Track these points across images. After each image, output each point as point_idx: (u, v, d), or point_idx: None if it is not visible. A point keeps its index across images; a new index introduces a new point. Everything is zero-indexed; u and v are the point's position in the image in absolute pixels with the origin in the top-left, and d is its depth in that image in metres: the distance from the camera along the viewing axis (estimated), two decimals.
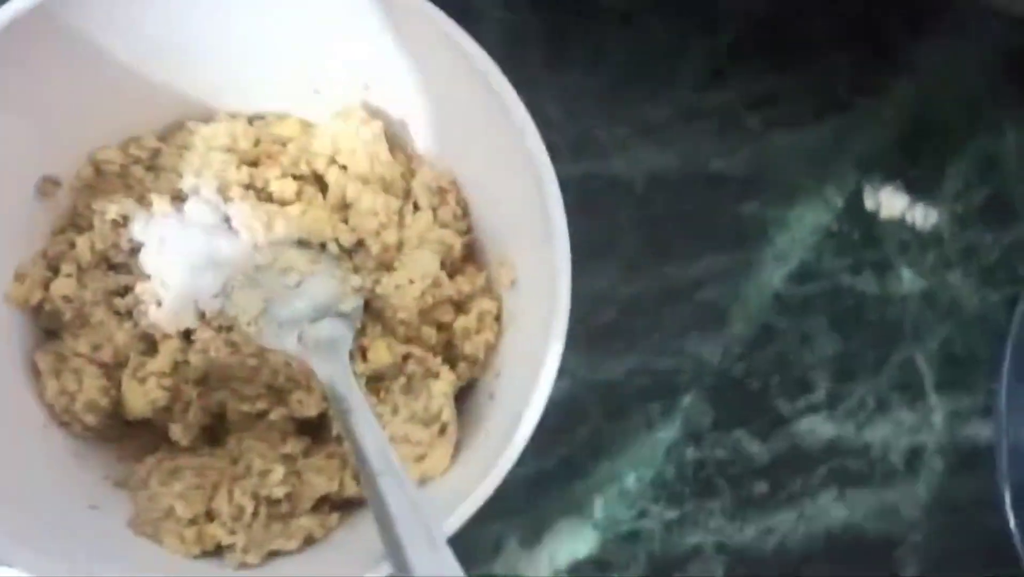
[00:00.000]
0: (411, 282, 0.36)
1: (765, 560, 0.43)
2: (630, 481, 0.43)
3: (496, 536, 0.43)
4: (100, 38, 0.36)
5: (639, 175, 0.45)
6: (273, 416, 0.37)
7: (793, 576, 0.43)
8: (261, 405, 0.37)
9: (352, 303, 0.36)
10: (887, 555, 0.44)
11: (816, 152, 0.46)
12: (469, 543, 0.40)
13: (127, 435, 0.38)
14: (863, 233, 0.46)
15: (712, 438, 0.44)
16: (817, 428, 0.44)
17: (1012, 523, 0.41)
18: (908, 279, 0.45)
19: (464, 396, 0.38)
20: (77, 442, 0.37)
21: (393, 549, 0.30)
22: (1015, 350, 0.42)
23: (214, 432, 0.39)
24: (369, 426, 0.32)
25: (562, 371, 0.34)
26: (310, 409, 0.37)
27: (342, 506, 0.37)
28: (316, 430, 0.38)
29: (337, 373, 0.34)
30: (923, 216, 0.46)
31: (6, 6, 0.33)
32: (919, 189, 0.46)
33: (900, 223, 0.46)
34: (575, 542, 0.43)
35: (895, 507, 0.44)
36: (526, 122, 0.34)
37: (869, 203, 0.46)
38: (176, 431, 0.37)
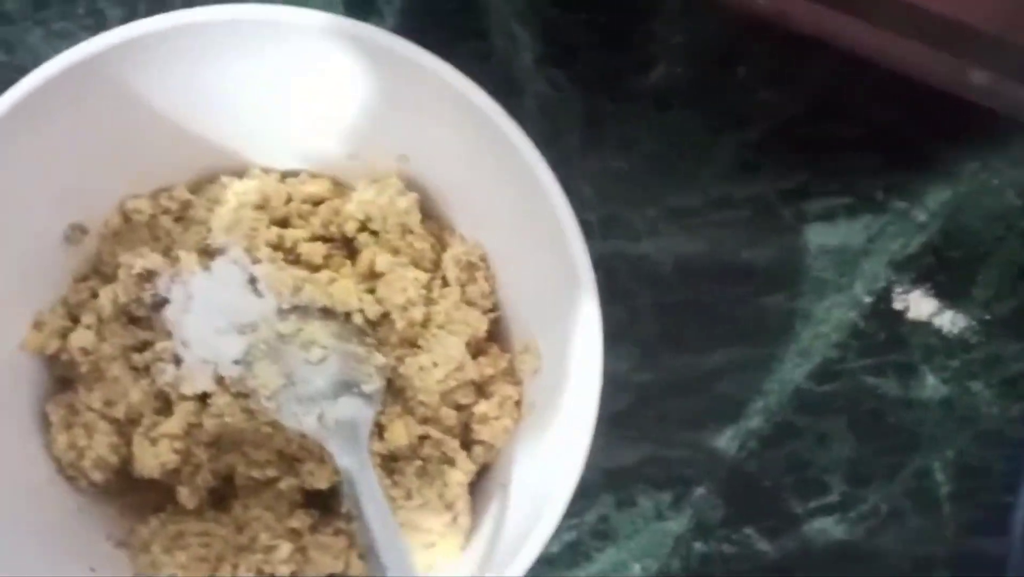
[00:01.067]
0: (435, 365, 0.36)
1: None
2: (635, 571, 0.43)
3: None
4: (141, 89, 0.36)
5: (667, 259, 0.45)
6: (283, 485, 0.37)
7: None
8: (271, 472, 0.37)
9: (375, 384, 0.35)
10: None
11: (847, 249, 0.45)
12: None
13: (131, 490, 0.38)
14: (889, 334, 0.45)
15: (721, 533, 0.43)
16: (828, 530, 0.44)
17: None
18: (931, 385, 0.45)
19: (476, 481, 0.37)
20: (80, 497, 0.37)
21: None
22: None
23: (221, 495, 0.38)
24: (383, 522, 0.31)
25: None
26: (321, 481, 0.36)
27: None
28: (325, 500, 0.38)
29: (354, 465, 0.33)
30: (950, 321, 0.45)
31: (60, 57, 0.33)
32: (948, 294, 0.45)
33: (927, 327, 0.45)
34: None
35: None
36: (560, 200, 0.34)
37: (897, 304, 0.45)
38: (183, 494, 0.36)
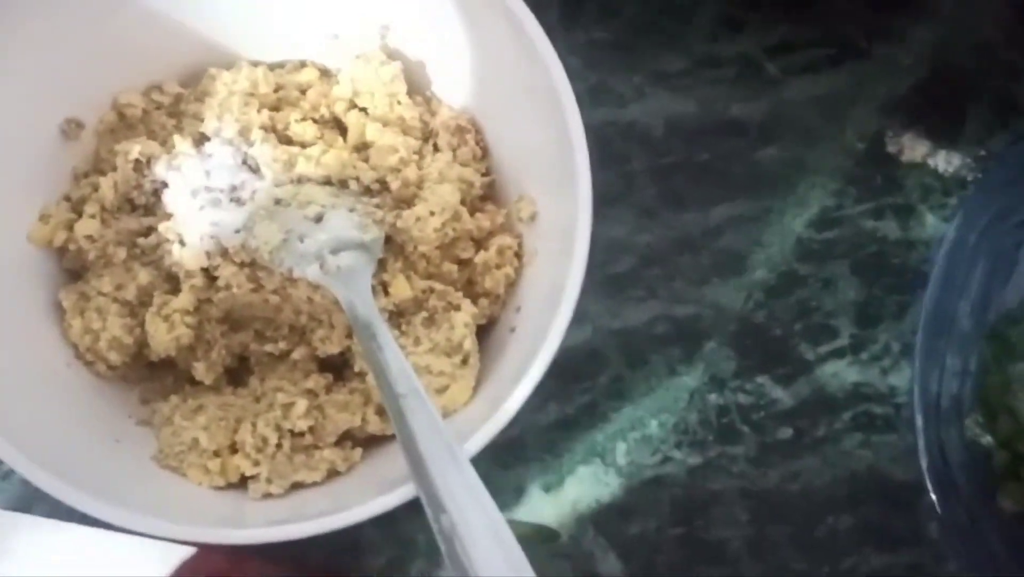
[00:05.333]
0: (431, 215, 0.36)
1: (789, 505, 0.43)
2: (653, 427, 0.43)
3: (519, 482, 0.42)
4: None
5: (656, 123, 0.45)
6: (296, 355, 0.37)
7: (818, 521, 0.43)
8: (283, 345, 0.38)
9: (373, 233, 0.36)
10: (913, 501, 0.43)
11: (835, 98, 0.46)
12: (492, 489, 0.40)
13: (149, 377, 0.39)
14: (885, 178, 0.45)
15: (735, 384, 0.44)
16: (841, 373, 0.44)
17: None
18: (931, 223, 0.45)
19: (485, 332, 0.38)
20: (101, 382, 0.38)
21: (416, 467, 0.30)
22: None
23: (237, 375, 0.39)
24: (391, 349, 0.32)
25: (582, 319, 0.34)
26: (333, 346, 0.37)
27: (365, 442, 0.37)
28: (338, 369, 0.38)
29: (359, 298, 0.34)
30: (945, 160, 0.45)
31: None
32: (940, 134, 0.46)
33: (922, 168, 0.45)
34: (598, 488, 0.43)
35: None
36: (551, 57, 0.34)
37: (891, 148, 0.45)
38: (200, 369, 0.37)
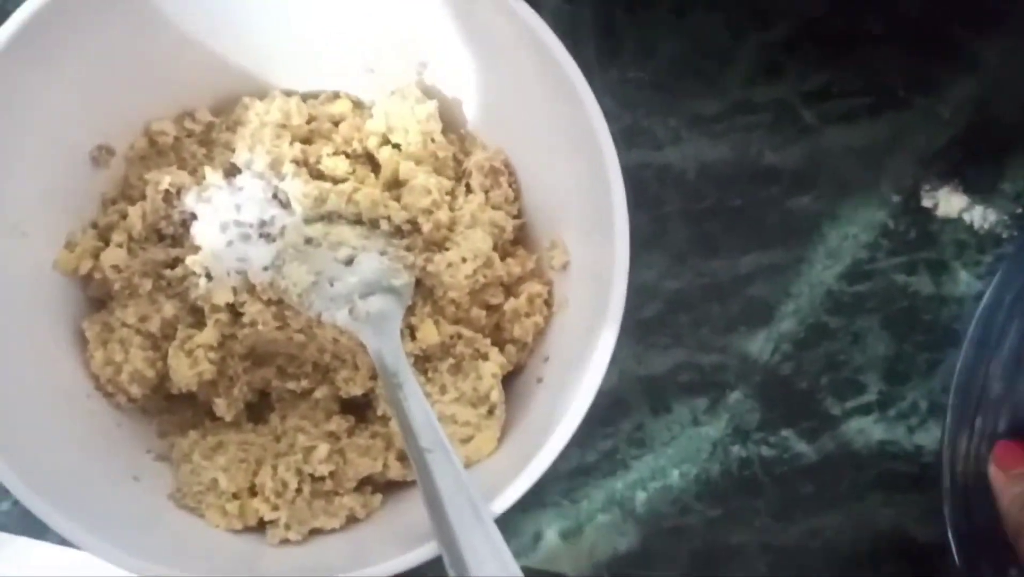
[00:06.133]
0: (463, 261, 0.36)
1: (810, 561, 0.42)
2: (674, 477, 0.43)
3: (537, 528, 0.42)
4: (160, 9, 0.36)
5: (691, 166, 0.45)
6: (318, 394, 0.37)
7: None
8: (306, 383, 0.37)
9: (404, 278, 0.36)
10: (936, 562, 0.42)
11: (872, 148, 0.45)
12: (509, 533, 0.39)
13: (168, 410, 0.38)
14: (919, 232, 0.45)
15: (758, 436, 0.43)
16: (867, 430, 0.43)
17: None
18: (964, 280, 0.44)
19: (511, 381, 0.37)
20: (120, 414, 0.37)
21: (440, 526, 0.30)
22: None
23: (257, 410, 0.38)
24: (418, 401, 0.32)
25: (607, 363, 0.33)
26: (356, 388, 0.36)
27: (385, 488, 0.36)
28: (360, 410, 0.38)
29: (387, 346, 0.33)
30: (981, 216, 0.45)
31: None
32: (977, 189, 0.45)
33: (958, 223, 0.45)
34: (616, 536, 0.42)
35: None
36: (590, 100, 0.34)
37: (926, 201, 0.45)
38: (221, 406, 0.36)
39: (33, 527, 0.40)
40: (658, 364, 0.43)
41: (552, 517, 0.42)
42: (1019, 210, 0.45)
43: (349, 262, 0.36)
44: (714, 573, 0.42)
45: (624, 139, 0.44)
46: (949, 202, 0.45)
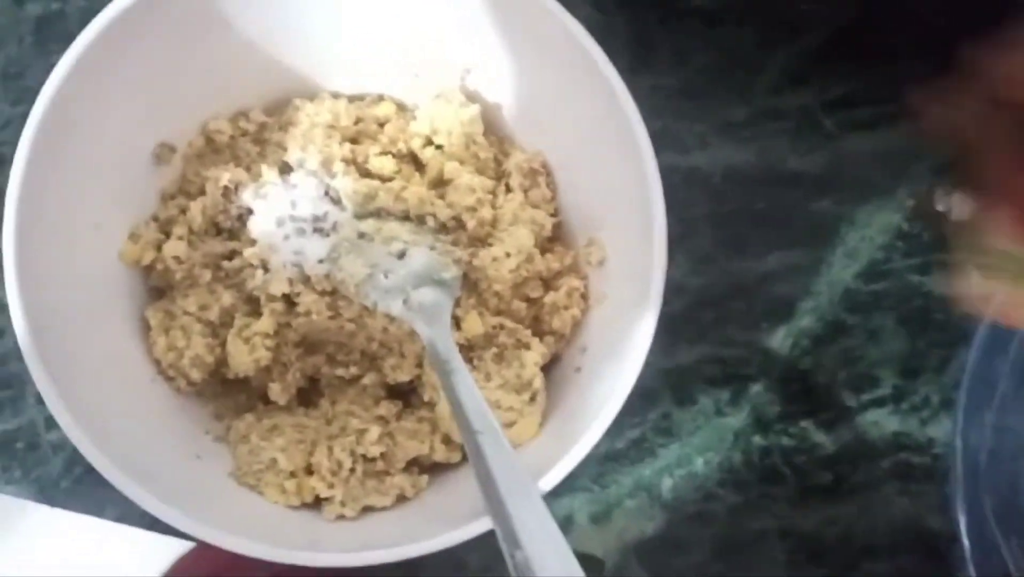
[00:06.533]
0: (507, 256, 0.38)
1: (827, 549, 0.44)
2: (698, 465, 0.45)
3: (567, 512, 0.44)
4: (220, 15, 0.38)
5: (717, 170, 0.47)
6: (366, 381, 0.39)
7: (854, 566, 0.44)
8: (355, 370, 0.39)
9: (453, 271, 0.38)
10: (948, 551, 0.44)
11: (890, 155, 0.47)
12: None
13: (224, 394, 0.40)
14: (933, 234, 0.47)
15: (779, 427, 0.45)
16: (882, 422, 0.45)
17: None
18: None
19: (550, 370, 0.39)
20: (180, 398, 0.39)
21: (493, 503, 0.32)
22: None
23: (307, 396, 0.40)
24: (468, 386, 0.34)
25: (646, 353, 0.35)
26: (403, 374, 0.38)
27: (430, 469, 0.38)
28: (406, 396, 0.40)
29: (439, 335, 0.35)
30: None
31: None
32: None
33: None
34: (643, 521, 0.44)
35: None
36: (630, 105, 0.36)
37: (940, 206, 0.47)
38: (275, 390, 0.38)
39: (91, 504, 0.42)
40: (684, 357, 0.45)
41: (582, 502, 0.44)
42: None
43: (401, 256, 0.38)
44: (736, 558, 0.44)
45: (653, 143, 0.46)
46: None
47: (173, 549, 0.57)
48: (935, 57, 0.48)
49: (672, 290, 0.46)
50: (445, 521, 0.34)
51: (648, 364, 0.45)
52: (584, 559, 0.43)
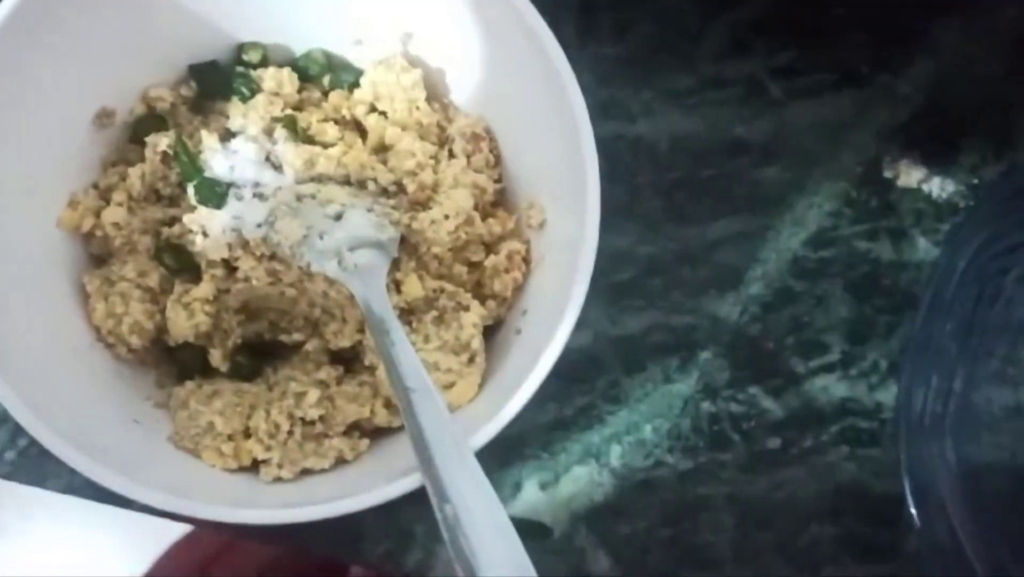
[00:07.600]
0: (446, 218, 0.38)
1: (774, 513, 0.45)
2: (647, 432, 0.45)
3: (516, 479, 0.44)
4: None
5: (663, 139, 0.47)
6: (309, 347, 0.39)
7: (801, 530, 0.45)
8: (297, 336, 0.39)
9: (389, 233, 0.38)
10: (894, 514, 0.45)
11: (835, 122, 0.47)
12: (490, 484, 0.41)
13: (166, 361, 0.40)
14: (880, 201, 0.47)
15: (727, 394, 0.45)
16: (830, 387, 0.46)
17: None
18: (923, 247, 0.47)
19: (491, 333, 0.40)
20: (120, 364, 0.39)
21: (424, 459, 0.32)
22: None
23: (251, 367, 0.40)
24: (403, 345, 0.34)
25: (583, 324, 0.35)
26: (344, 340, 0.38)
27: (371, 433, 0.38)
28: (349, 361, 0.40)
29: (373, 294, 0.35)
30: (939, 187, 0.47)
31: None
32: (935, 161, 0.47)
33: (917, 193, 0.47)
34: (592, 488, 0.44)
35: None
36: (568, 74, 0.36)
37: (887, 172, 0.47)
38: (216, 357, 0.38)
39: (34, 475, 0.42)
40: (632, 325, 0.46)
41: (531, 469, 0.44)
42: (975, 181, 0.48)
43: (338, 218, 0.38)
44: (684, 523, 0.44)
45: (600, 112, 0.46)
46: (909, 173, 0.47)
47: (160, 544, 0.56)
48: (872, 25, 0.48)
49: (619, 259, 0.46)
50: (382, 479, 0.34)
51: (597, 332, 0.45)
52: (532, 526, 0.44)
